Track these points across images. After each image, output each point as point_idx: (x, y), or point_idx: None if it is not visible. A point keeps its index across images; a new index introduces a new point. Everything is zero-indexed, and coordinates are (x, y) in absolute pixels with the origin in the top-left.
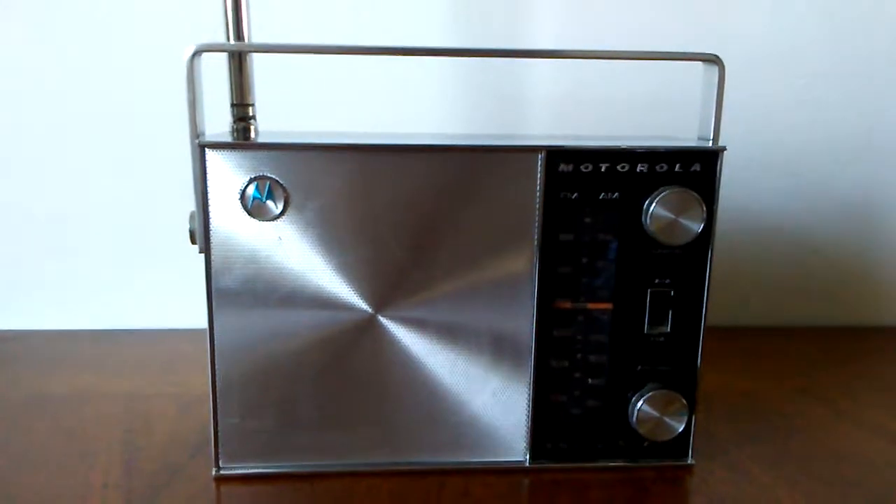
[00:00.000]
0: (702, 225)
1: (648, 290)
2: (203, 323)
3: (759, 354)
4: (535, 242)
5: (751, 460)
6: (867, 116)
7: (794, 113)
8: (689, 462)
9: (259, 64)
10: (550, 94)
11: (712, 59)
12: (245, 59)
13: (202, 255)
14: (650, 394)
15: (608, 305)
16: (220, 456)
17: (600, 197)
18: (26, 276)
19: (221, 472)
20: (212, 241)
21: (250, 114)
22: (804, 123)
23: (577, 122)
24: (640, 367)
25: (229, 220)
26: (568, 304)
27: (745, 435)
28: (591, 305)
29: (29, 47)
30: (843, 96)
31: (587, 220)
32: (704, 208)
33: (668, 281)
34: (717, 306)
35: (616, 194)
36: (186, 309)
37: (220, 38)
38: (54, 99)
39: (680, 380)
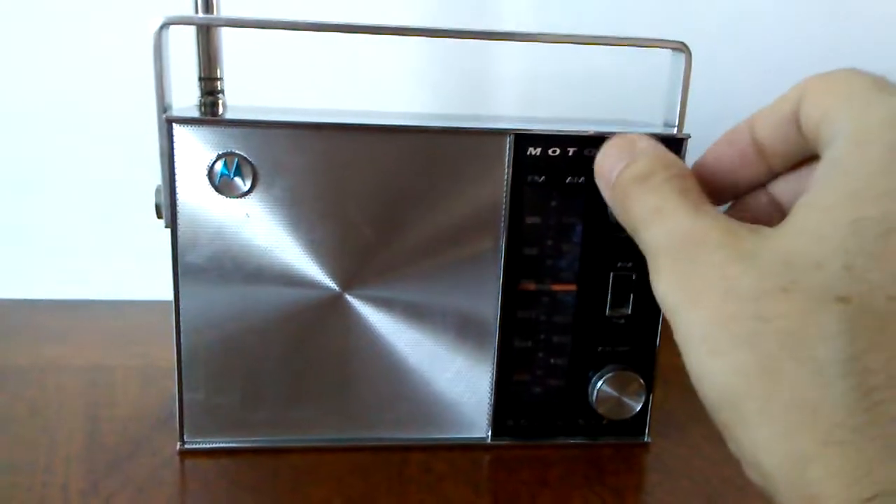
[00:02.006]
0: None
1: (611, 274)
2: (167, 295)
3: None
4: (502, 224)
5: (703, 438)
6: None
7: (759, 99)
8: (645, 440)
9: (227, 37)
10: (519, 72)
11: (679, 47)
12: (213, 33)
13: (168, 230)
14: (609, 374)
15: (572, 287)
16: (184, 430)
17: (567, 181)
18: None
19: (186, 446)
20: (178, 216)
21: (218, 88)
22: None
23: (545, 100)
24: (600, 348)
25: (196, 196)
26: (532, 286)
27: (699, 414)
28: (555, 287)
29: None
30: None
31: (553, 203)
32: None
33: (630, 264)
34: None
35: (582, 178)
36: (150, 280)
37: (188, 10)
38: (18, 68)
39: (639, 361)
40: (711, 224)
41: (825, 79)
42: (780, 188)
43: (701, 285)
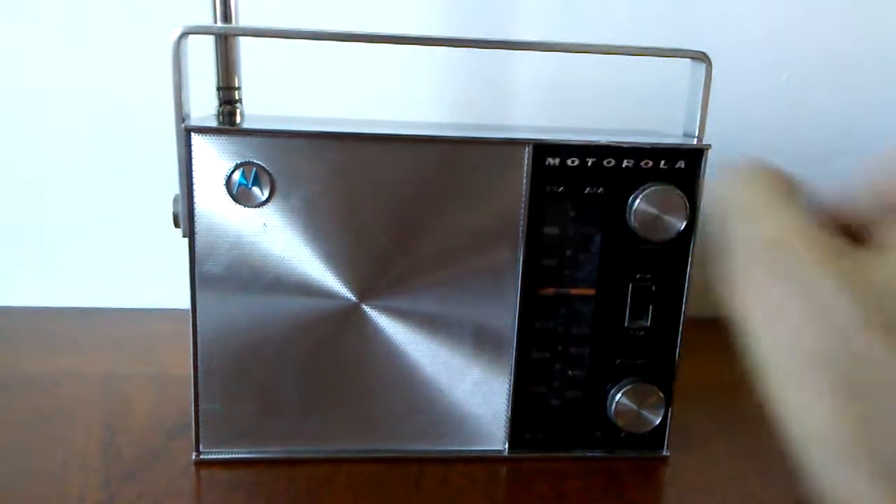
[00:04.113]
0: (685, 222)
1: (630, 285)
2: (184, 303)
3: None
4: (520, 234)
5: (723, 453)
6: (848, 111)
7: (773, 106)
8: (664, 454)
9: (245, 47)
10: (539, 82)
11: (700, 57)
12: (232, 42)
13: (185, 239)
14: (628, 387)
15: (590, 299)
16: (200, 440)
17: (585, 191)
18: (4, 252)
19: (201, 456)
20: (196, 225)
21: (236, 97)
22: (784, 117)
23: (565, 110)
24: (619, 360)
25: (214, 206)
26: (551, 297)
27: (719, 428)
28: (573, 298)
29: (8, 25)
30: (824, 91)
31: (572, 213)
32: (688, 205)
33: (649, 276)
34: (700, 297)
35: (601, 189)
36: (167, 289)
37: (206, 19)
38: (35, 76)
39: (658, 373)
40: (816, 235)
41: None
42: None
43: (789, 302)
